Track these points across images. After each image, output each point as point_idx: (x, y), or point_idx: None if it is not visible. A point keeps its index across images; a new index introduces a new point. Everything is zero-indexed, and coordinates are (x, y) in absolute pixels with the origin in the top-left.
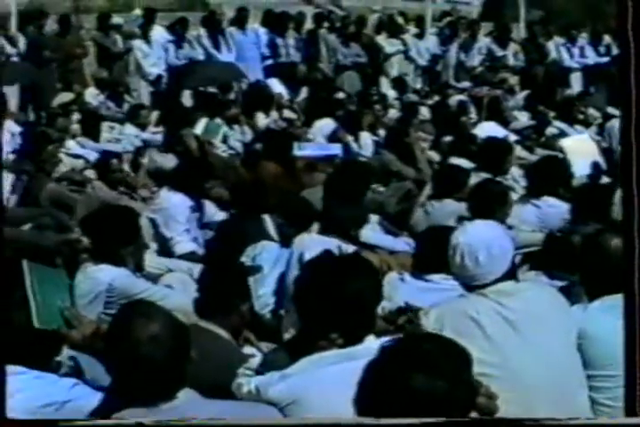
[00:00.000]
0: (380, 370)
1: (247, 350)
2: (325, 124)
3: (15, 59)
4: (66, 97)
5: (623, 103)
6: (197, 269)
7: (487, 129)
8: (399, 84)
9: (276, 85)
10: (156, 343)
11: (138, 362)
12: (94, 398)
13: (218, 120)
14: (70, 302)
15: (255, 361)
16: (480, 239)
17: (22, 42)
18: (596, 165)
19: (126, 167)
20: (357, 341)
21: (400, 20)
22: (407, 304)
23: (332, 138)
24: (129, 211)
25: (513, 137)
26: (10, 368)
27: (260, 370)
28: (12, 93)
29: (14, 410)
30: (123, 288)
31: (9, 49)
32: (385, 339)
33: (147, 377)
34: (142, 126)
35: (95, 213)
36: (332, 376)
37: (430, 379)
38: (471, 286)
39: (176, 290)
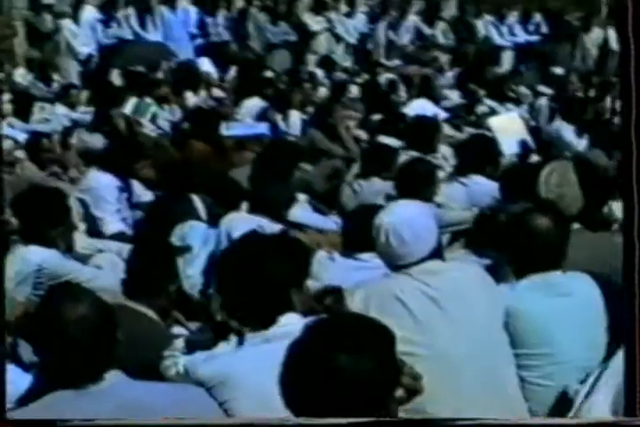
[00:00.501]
0: (303, 349)
1: (176, 330)
2: (254, 104)
3: None
4: None
5: (623, 103)
6: (127, 249)
7: (418, 107)
8: (327, 62)
9: (206, 64)
10: (82, 325)
11: (64, 343)
12: (25, 380)
13: (147, 100)
14: None
15: (180, 342)
16: (404, 219)
17: None
18: (524, 144)
19: (56, 148)
20: (273, 321)
21: None
22: (332, 285)
23: (261, 117)
24: (57, 192)
25: (443, 115)
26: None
27: (186, 351)
28: None
29: None
30: (52, 270)
31: None
32: (309, 318)
33: (73, 359)
34: (72, 106)
35: (23, 194)
36: (258, 356)
37: (354, 358)
38: (396, 265)
39: (105, 271)
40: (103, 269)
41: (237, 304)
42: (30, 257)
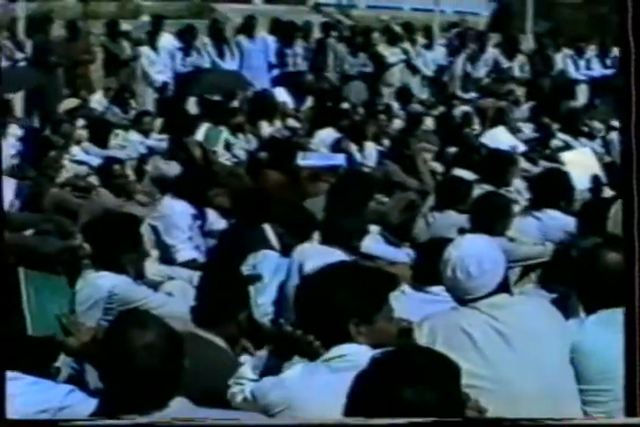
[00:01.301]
0: (370, 382)
1: (244, 359)
2: (327, 134)
3: (22, 64)
4: (72, 103)
5: (623, 108)
6: (197, 277)
7: (497, 136)
8: (403, 94)
9: (282, 94)
10: (149, 352)
11: (131, 370)
12: (90, 405)
13: (220, 127)
14: (69, 309)
15: (247, 369)
16: (471, 253)
17: (29, 47)
18: (596, 179)
19: (130, 174)
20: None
21: (398, 29)
22: (400, 318)
23: (335, 148)
24: (130, 218)
25: (522, 147)
26: (9, 374)
27: (254, 376)
28: (18, 98)
29: (12, 415)
30: (123, 295)
31: (16, 54)
32: (377, 351)
33: (139, 385)
34: (147, 133)
35: (97, 219)
36: (324, 386)
37: (420, 392)
38: (464, 299)
39: (176, 298)
40: (174, 297)
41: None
42: (101, 282)
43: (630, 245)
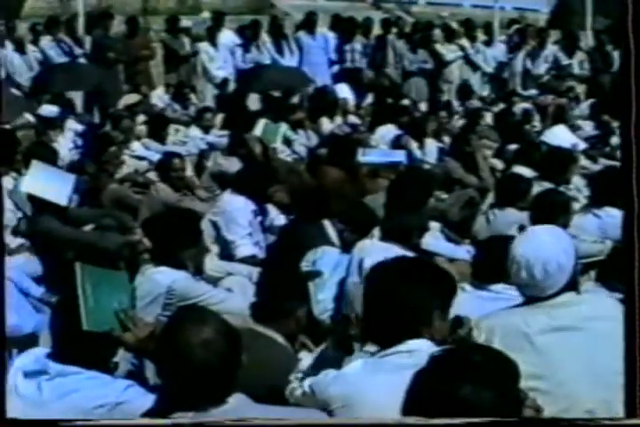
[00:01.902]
0: (428, 380)
1: (303, 355)
2: (387, 131)
3: (82, 60)
4: (132, 98)
5: (623, 104)
6: (257, 273)
7: (557, 133)
8: (464, 90)
9: (344, 90)
10: (207, 348)
11: (188, 366)
12: (148, 400)
13: (279, 123)
14: (129, 304)
15: (305, 364)
16: (538, 255)
17: (89, 43)
18: None
19: (190, 170)
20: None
21: (456, 25)
22: (460, 316)
23: (395, 144)
24: (191, 214)
25: (582, 144)
26: (66, 368)
27: (312, 372)
28: (78, 94)
29: (67, 410)
30: (182, 291)
31: (75, 50)
32: (438, 347)
33: (197, 381)
34: (207, 129)
35: (157, 215)
36: (384, 382)
37: (477, 391)
38: (531, 296)
39: (235, 294)
40: (233, 293)
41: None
42: (161, 278)
43: (630, 246)
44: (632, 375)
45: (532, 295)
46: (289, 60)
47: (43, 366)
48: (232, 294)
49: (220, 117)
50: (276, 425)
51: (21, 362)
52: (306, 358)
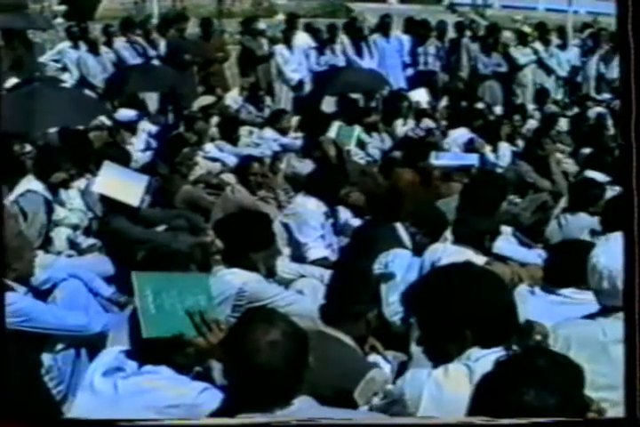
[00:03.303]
0: (494, 383)
1: (372, 358)
2: (461, 134)
3: (156, 62)
4: (206, 100)
5: (623, 102)
6: (328, 275)
7: None
8: (540, 94)
9: (417, 93)
10: (274, 349)
11: (255, 367)
12: (217, 399)
13: (353, 125)
14: (206, 306)
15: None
16: (620, 267)
17: (163, 45)
18: None
19: (266, 172)
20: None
21: (528, 29)
22: (530, 320)
23: (468, 147)
24: (264, 216)
25: None
26: (143, 367)
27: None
28: (152, 96)
29: (140, 409)
30: (252, 293)
31: (150, 52)
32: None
33: (263, 382)
34: (282, 131)
35: (230, 216)
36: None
37: (543, 395)
38: (610, 306)
39: (306, 296)
40: (304, 295)
41: (434, 334)
42: (232, 279)
43: (630, 244)
44: (632, 375)
45: (611, 305)
46: (368, 63)
47: (120, 364)
48: (302, 297)
49: (294, 120)
50: (342, 425)
51: (101, 360)
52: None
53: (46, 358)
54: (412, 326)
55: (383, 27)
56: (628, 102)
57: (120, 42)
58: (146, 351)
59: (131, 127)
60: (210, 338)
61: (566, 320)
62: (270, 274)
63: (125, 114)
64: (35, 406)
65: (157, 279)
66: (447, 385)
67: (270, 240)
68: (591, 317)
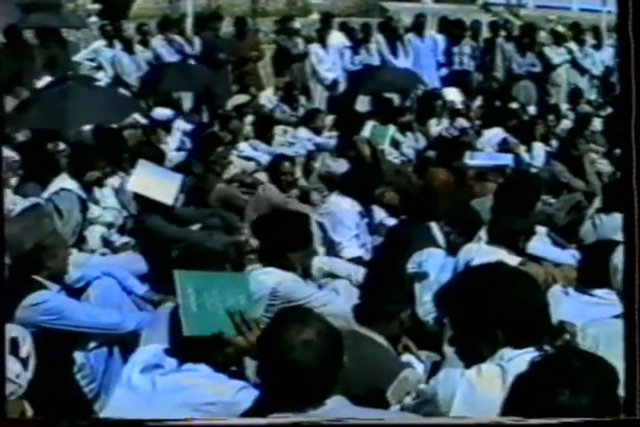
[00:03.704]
0: (528, 384)
1: (405, 357)
2: (495, 134)
3: (191, 61)
4: (240, 99)
5: (623, 103)
6: (362, 274)
7: None
8: (574, 94)
9: (452, 93)
10: (307, 348)
11: (289, 366)
12: (251, 395)
13: (387, 125)
14: (246, 306)
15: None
16: None
17: (198, 44)
18: None
19: (298, 171)
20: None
21: (562, 29)
22: (564, 320)
23: (503, 147)
24: (303, 217)
25: None
26: (181, 365)
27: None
28: (187, 95)
29: (177, 405)
30: (286, 293)
31: (187, 49)
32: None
33: (297, 382)
34: (316, 130)
35: (269, 216)
36: (496, 387)
37: (576, 396)
38: None
39: (340, 296)
40: (339, 295)
41: (467, 334)
42: (266, 279)
43: (631, 246)
44: (632, 375)
45: None
46: (402, 62)
47: (159, 361)
48: (336, 297)
49: (329, 119)
50: (372, 425)
51: (140, 357)
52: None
53: (78, 357)
54: (446, 326)
55: (418, 26)
56: (629, 102)
57: (157, 40)
58: (185, 349)
59: (165, 126)
60: (249, 337)
61: (595, 320)
62: (306, 274)
63: (161, 113)
64: (66, 404)
65: (199, 278)
66: (480, 385)
67: (308, 240)
68: (619, 316)
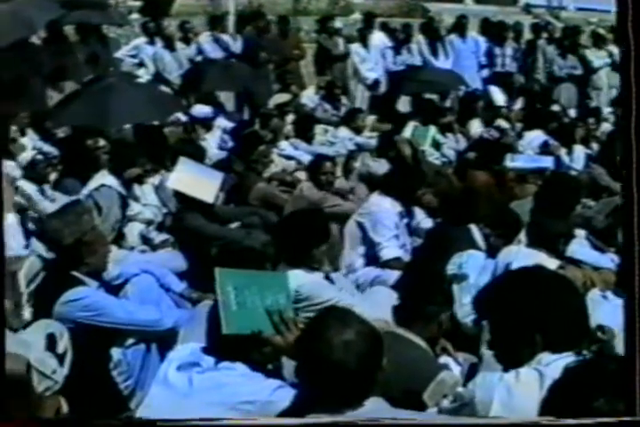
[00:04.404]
0: (566, 389)
1: (443, 359)
2: (536, 136)
3: (232, 59)
4: (282, 98)
5: (623, 103)
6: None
7: None
8: (615, 97)
9: (495, 94)
10: (348, 349)
11: (328, 367)
12: (288, 394)
13: (428, 126)
14: (286, 305)
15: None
16: None
17: (239, 42)
18: None
19: (338, 170)
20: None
21: (603, 31)
22: (602, 325)
23: (543, 150)
24: (317, 212)
25: None
26: (219, 363)
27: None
28: (228, 93)
29: (213, 403)
30: (309, 295)
31: (232, 47)
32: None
33: (335, 382)
34: (357, 130)
35: (285, 219)
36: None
37: (611, 401)
38: None
39: (362, 299)
40: (360, 298)
41: (505, 338)
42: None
43: (630, 246)
44: (632, 375)
45: None
46: (443, 63)
47: (196, 359)
48: (359, 300)
49: (370, 119)
50: (407, 425)
51: (177, 354)
52: (454, 365)
53: (115, 353)
54: (483, 329)
55: (460, 27)
56: (629, 102)
57: (204, 37)
58: (223, 347)
59: (206, 124)
60: (287, 337)
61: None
62: (335, 269)
63: (201, 110)
64: (102, 400)
65: (239, 276)
66: (518, 389)
67: (327, 233)
68: None
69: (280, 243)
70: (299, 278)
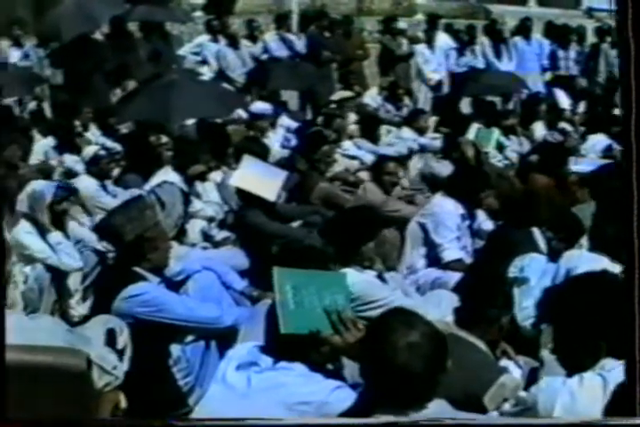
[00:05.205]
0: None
1: (503, 363)
2: (598, 140)
3: (296, 58)
4: (344, 94)
5: (623, 103)
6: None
7: None
8: None
9: (558, 97)
10: (412, 351)
11: (392, 368)
12: (347, 395)
13: (492, 128)
14: (345, 305)
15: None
16: None
17: (303, 41)
18: None
19: (401, 171)
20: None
21: None
22: None
23: (606, 154)
24: (364, 209)
25: None
26: (277, 363)
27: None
28: (292, 92)
29: (271, 403)
30: (361, 294)
31: (297, 46)
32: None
33: (399, 384)
34: (420, 131)
35: (331, 220)
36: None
37: None
38: None
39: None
40: (412, 298)
41: (569, 344)
42: None
43: (630, 247)
44: (632, 375)
45: None
46: (506, 65)
47: (255, 359)
48: (410, 300)
49: (433, 120)
50: (468, 425)
51: (236, 354)
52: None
53: (175, 350)
54: (544, 332)
55: (524, 29)
56: (629, 102)
57: (270, 35)
58: (281, 347)
59: (268, 122)
60: (346, 336)
61: None
62: (389, 268)
63: (260, 107)
64: (161, 396)
65: (297, 275)
66: (581, 395)
67: (374, 231)
68: None
69: (330, 240)
70: (350, 277)
